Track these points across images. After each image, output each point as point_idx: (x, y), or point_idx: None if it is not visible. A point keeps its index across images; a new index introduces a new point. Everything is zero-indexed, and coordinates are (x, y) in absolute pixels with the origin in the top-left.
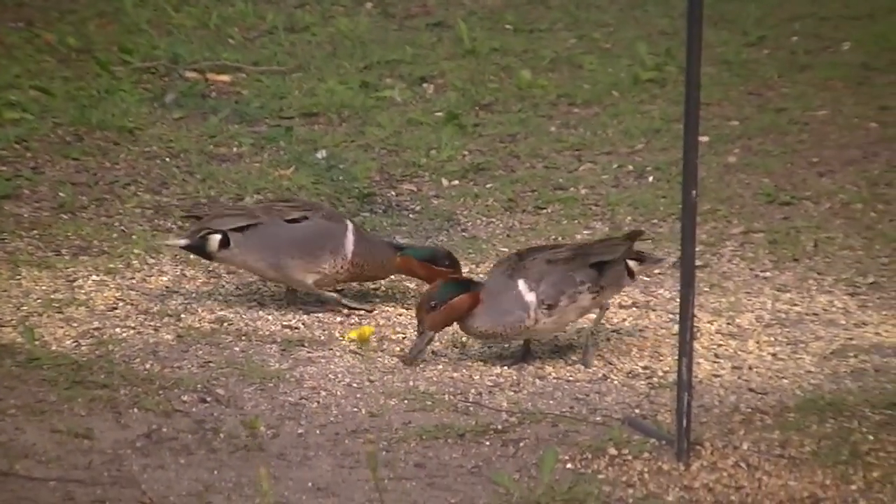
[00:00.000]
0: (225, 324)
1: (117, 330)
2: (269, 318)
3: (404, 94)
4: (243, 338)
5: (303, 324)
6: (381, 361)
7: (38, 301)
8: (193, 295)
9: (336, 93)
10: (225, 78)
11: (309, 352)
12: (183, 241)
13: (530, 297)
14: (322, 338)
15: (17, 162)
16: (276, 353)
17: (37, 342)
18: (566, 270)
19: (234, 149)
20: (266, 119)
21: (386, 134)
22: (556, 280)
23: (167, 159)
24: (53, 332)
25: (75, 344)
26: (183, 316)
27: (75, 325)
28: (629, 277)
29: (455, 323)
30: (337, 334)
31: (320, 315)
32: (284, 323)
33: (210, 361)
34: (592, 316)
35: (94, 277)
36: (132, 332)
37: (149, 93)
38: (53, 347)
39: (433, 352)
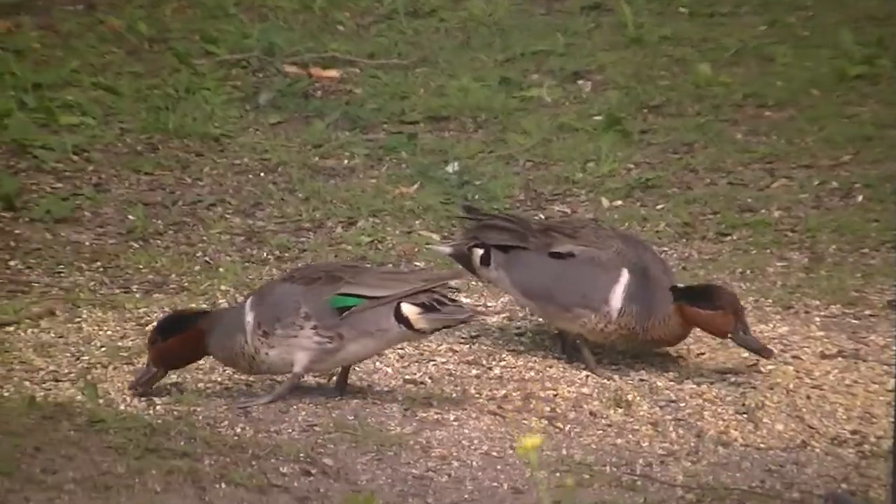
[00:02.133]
0: (333, 377)
1: (200, 385)
2: (389, 370)
3: (554, 93)
4: (357, 395)
5: (430, 378)
6: (527, 424)
7: (103, 350)
8: None
9: (470, 92)
10: (332, 73)
11: (438, 412)
12: (447, 249)
13: (249, 318)
14: (454, 395)
15: (75, 177)
16: (396, 414)
17: (101, 400)
18: (302, 294)
19: (345, 161)
20: (384, 124)
21: (532, 142)
22: (277, 301)
23: (261, 174)
24: (121, 388)
25: (147, 403)
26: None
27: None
28: (402, 327)
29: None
30: (472, 390)
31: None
32: (408, 376)
33: (315, 424)
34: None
35: None
36: (219, 387)
37: (238, 92)
38: (121, 407)
39: (591, 412)
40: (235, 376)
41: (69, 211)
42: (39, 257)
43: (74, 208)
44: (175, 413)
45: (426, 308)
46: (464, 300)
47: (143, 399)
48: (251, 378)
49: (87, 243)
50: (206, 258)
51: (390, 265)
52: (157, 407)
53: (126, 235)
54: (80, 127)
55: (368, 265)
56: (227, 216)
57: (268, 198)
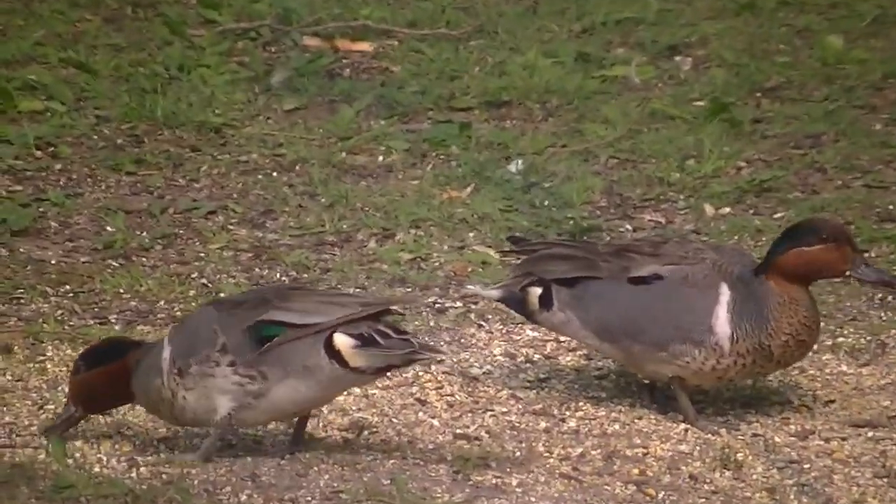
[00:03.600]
0: (365, 432)
1: (195, 441)
2: (436, 422)
3: (645, 72)
4: (395, 453)
5: (487, 432)
6: (609, 490)
7: None
8: None
9: (538, 70)
10: (365, 46)
11: (497, 476)
12: (495, 293)
13: (166, 353)
14: (517, 454)
15: (38, 178)
16: (444, 478)
17: (70, 461)
18: (218, 320)
19: (380, 157)
20: (429, 111)
21: (616, 134)
22: (192, 331)
23: (273, 174)
24: (95, 446)
25: (129, 463)
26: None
27: (130, 434)
28: (335, 364)
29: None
30: (541, 448)
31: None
32: (459, 430)
33: (340, 491)
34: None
35: None
36: (219, 444)
37: (246, 71)
38: (96, 469)
39: (691, 476)
40: (242, 430)
41: (30, 221)
42: None
43: (37, 217)
44: (164, 476)
45: (365, 340)
46: (420, 336)
47: (122, 459)
48: (256, 430)
49: (53, 261)
50: (204, 280)
51: (340, 287)
52: (142, 469)
53: (102, 252)
54: (44, 114)
55: (312, 287)
56: (231, 227)
57: (282, 204)
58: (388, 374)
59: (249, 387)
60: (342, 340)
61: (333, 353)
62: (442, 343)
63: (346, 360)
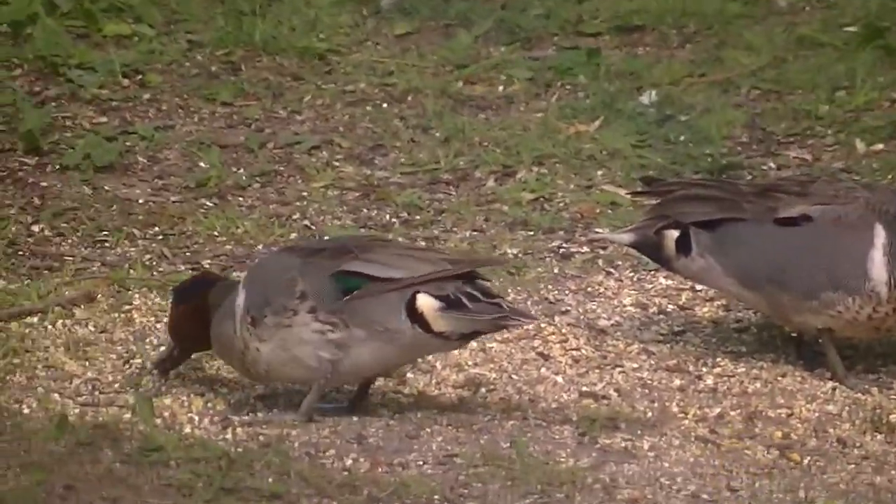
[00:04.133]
0: (482, 389)
1: (297, 399)
2: (559, 379)
3: None
4: (514, 413)
5: (616, 390)
6: (750, 455)
7: (162, 350)
8: None
9: None
10: None
11: (626, 438)
12: (627, 237)
13: (240, 298)
14: (649, 415)
15: (125, 109)
16: (569, 441)
17: (158, 421)
18: (298, 267)
19: (500, 87)
20: (554, 36)
21: (760, 63)
22: (268, 277)
23: (383, 105)
24: (186, 404)
25: (223, 424)
26: (410, 375)
27: (224, 391)
28: (416, 327)
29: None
30: (675, 408)
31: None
32: (585, 388)
33: (454, 454)
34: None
35: None
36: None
37: None
38: (187, 430)
39: (839, 439)
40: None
41: (116, 156)
42: (74, 220)
43: (124, 152)
44: (261, 438)
45: (450, 303)
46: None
47: (216, 419)
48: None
49: (140, 201)
50: (306, 222)
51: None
52: (237, 430)
53: (195, 190)
54: (131, 39)
55: (394, 240)
56: (336, 163)
57: (392, 138)
58: (475, 339)
59: (331, 335)
60: (426, 302)
61: (416, 315)
62: (566, 292)
63: (430, 324)
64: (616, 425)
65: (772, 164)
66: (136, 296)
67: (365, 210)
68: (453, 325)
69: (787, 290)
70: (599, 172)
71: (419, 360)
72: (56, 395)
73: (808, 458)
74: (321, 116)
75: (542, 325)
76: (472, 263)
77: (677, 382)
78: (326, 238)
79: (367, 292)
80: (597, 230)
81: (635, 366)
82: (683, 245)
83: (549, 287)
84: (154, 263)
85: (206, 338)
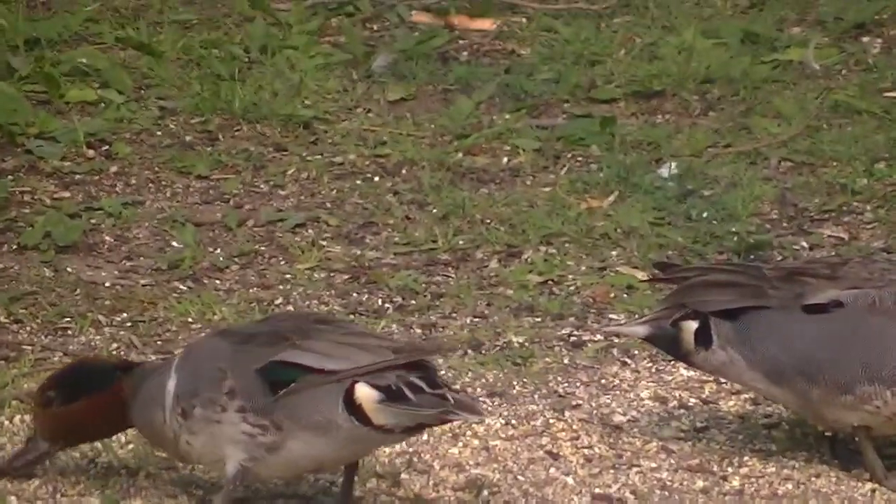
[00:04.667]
0: (484, 492)
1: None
2: (570, 480)
3: (826, 55)
4: None
5: (632, 492)
6: None
7: (130, 448)
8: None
9: (696, 54)
10: (486, 24)
11: None
12: (642, 329)
13: (170, 384)
14: None
15: (89, 182)
16: None
17: None
18: (228, 358)
19: (504, 159)
20: (564, 102)
21: (791, 131)
22: (198, 367)
23: (375, 178)
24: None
25: None
26: (405, 476)
27: (200, 493)
28: (354, 420)
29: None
30: None
31: None
32: (598, 489)
33: None
34: None
35: None
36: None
37: (342, 53)
38: None
39: None
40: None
41: (80, 234)
42: (34, 305)
43: (88, 230)
44: None
45: (391, 394)
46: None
47: None
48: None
49: (107, 284)
50: (290, 307)
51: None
52: None
53: (167, 272)
54: (97, 106)
55: (344, 321)
56: (323, 243)
57: (385, 215)
58: (421, 433)
59: (261, 438)
60: (365, 393)
61: (354, 408)
62: (578, 384)
63: (369, 417)
64: None
65: (804, 244)
66: None
67: (355, 294)
68: (395, 419)
69: (818, 384)
70: (614, 252)
71: (364, 456)
72: (13, 499)
73: None
74: (306, 191)
75: (552, 421)
76: (417, 352)
77: (700, 484)
78: (264, 318)
79: (301, 386)
80: (611, 316)
81: (654, 465)
82: (703, 337)
83: (559, 379)
84: (122, 353)
85: (102, 431)
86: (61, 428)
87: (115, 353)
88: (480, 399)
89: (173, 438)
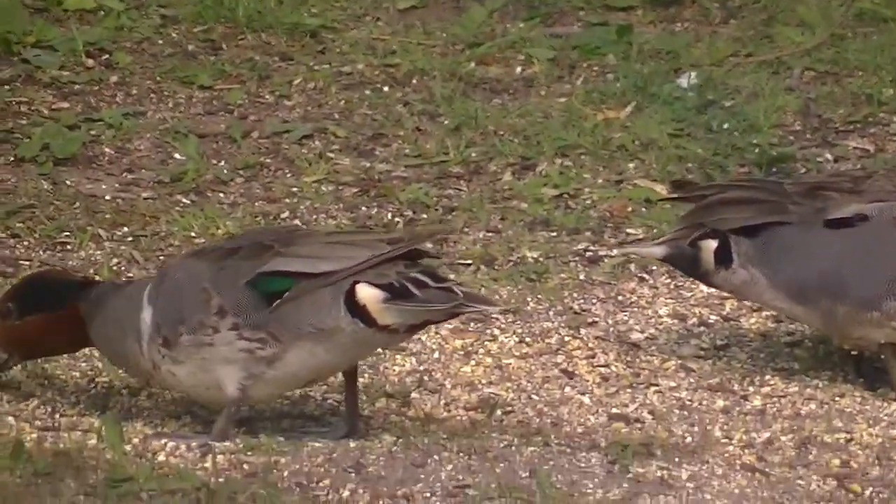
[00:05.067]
0: (497, 411)
1: (285, 423)
2: (586, 399)
3: None
4: (535, 438)
5: (650, 412)
6: (803, 486)
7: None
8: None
9: None
10: None
11: (663, 466)
12: (658, 249)
13: (146, 314)
14: (688, 439)
15: (89, 93)
16: (598, 469)
17: (128, 447)
18: (210, 277)
19: (518, 69)
20: (579, 10)
21: (815, 40)
22: (177, 291)
23: (384, 89)
24: (159, 427)
25: (202, 450)
26: (415, 395)
27: (204, 412)
28: (358, 322)
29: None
30: (718, 432)
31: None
32: (615, 409)
33: (466, 485)
34: None
35: None
36: (314, 421)
37: None
38: (160, 457)
39: None
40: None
41: (79, 146)
42: (31, 219)
43: (88, 142)
44: (245, 467)
45: (395, 292)
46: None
47: (195, 444)
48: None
49: (107, 197)
50: (297, 221)
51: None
52: (218, 457)
53: (169, 185)
54: (96, 14)
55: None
56: (331, 155)
57: (395, 126)
58: (423, 329)
59: (260, 352)
60: (368, 293)
61: (357, 309)
62: (594, 300)
63: (374, 318)
64: (650, 452)
65: (828, 156)
66: None
67: (364, 208)
68: (402, 317)
69: (842, 301)
70: (631, 165)
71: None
72: (10, 419)
73: (870, 489)
74: (313, 102)
75: (567, 339)
76: (415, 239)
77: (720, 403)
78: (239, 234)
79: (298, 293)
80: (628, 231)
81: (672, 384)
82: (723, 256)
83: (575, 295)
84: (123, 268)
85: (60, 347)
86: (17, 341)
87: (117, 267)
88: (493, 317)
89: (152, 369)
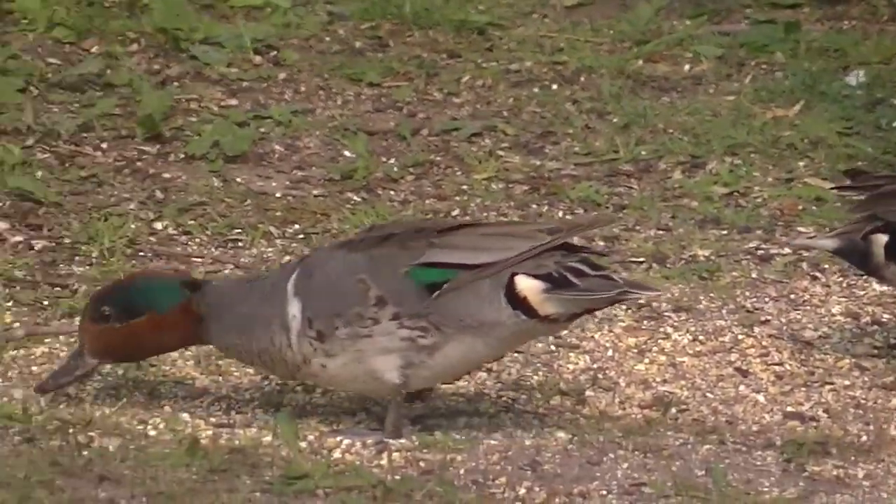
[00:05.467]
0: (672, 409)
1: (461, 421)
2: (760, 397)
3: None
4: (710, 436)
5: (825, 410)
6: None
7: None
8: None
9: None
10: None
11: (838, 465)
12: (830, 242)
13: (294, 309)
14: (863, 438)
15: (257, 90)
16: (773, 468)
17: (303, 444)
18: (367, 267)
19: (686, 66)
20: (747, 7)
21: None
22: (332, 283)
23: (553, 86)
24: (335, 425)
25: (378, 448)
26: (590, 393)
27: (378, 409)
28: (519, 314)
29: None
30: (893, 430)
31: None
32: (790, 408)
33: (641, 483)
34: None
35: None
36: (485, 416)
37: None
38: (336, 454)
39: None
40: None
41: (249, 144)
42: (202, 216)
43: (257, 139)
44: (422, 464)
45: (555, 282)
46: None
47: (371, 441)
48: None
49: (277, 195)
50: (467, 218)
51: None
52: (394, 455)
53: (339, 183)
54: (263, 10)
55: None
56: (501, 153)
57: (564, 124)
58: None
59: (422, 341)
60: (528, 284)
61: (518, 301)
62: (766, 299)
63: (535, 308)
64: (826, 450)
65: None
66: None
67: (534, 205)
68: (564, 306)
69: None
70: (801, 163)
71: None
72: (185, 415)
73: None
74: (482, 99)
75: (740, 337)
76: (575, 229)
77: (895, 402)
78: (383, 224)
79: (458, 283)
80: (799, 229)
81: (847, 383)
82: (894, 251)
83: (747, 294)
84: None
85: (159, 349)
86: (117, 344)
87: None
88: (666, 314)
89: (300, 362)
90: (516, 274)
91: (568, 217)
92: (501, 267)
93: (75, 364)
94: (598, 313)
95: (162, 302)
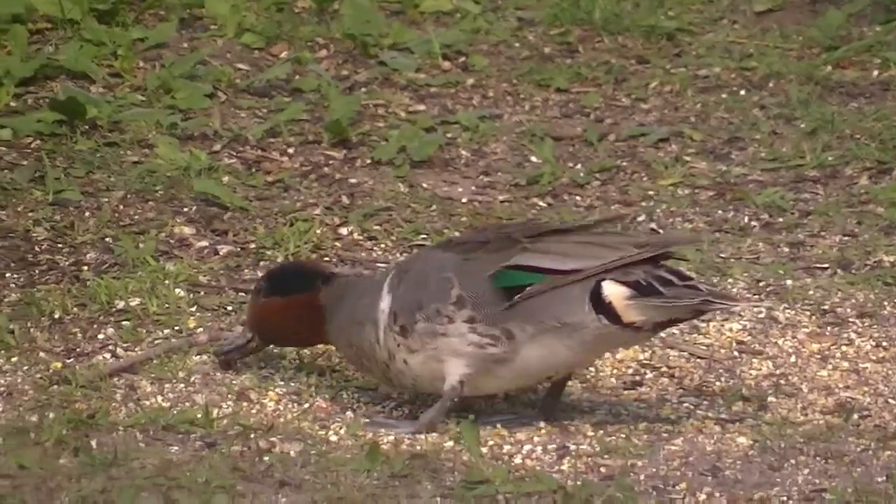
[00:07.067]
0: (854, 415)
1: (657, 427)
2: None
3: None
4: (893, 442)
5: None
6: None
7: None
8: None
9: None
10: None
11: None
12: None
13: (384, 303)
14: None
15: (445, 95)
16: None
17: (484, 450)
18: (454, 268)
19: (875, 72)
20: None
21: None
22: (420, 279)
23: (741, 92)
24: (516, 433)
25: (559, 453)
26: (772, 399)
27: (561, 413)
28: (604, 320)
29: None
30: None
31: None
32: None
33: (823, 489)
34: None
35: None
36: (682, 420)
37: None
38: (517, 460)
39: None
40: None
41: (435, 149)
42: (388, 222)
43: (444, 145)
44: (602, 470)
45: (641, 289)
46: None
47: (551, 447)
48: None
49: (463, 200)
50: (653, 224)
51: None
52: (575, 460)
53: (526, 188)
54: (452, 16)
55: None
56: (687, 158)
57: (751, 130)
58: (668, 329)
59: (491, 349)
60: (614, 290)
61: (603, 306)
62: None
63: (619, 315)
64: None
65: None
66: None
67: (720, 211)
68: (648, 314)
69: None
70: None
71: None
72: (364, 420)
73: None
74: (669, 105)
75: None
76: (664, 244)
77: None
78: (483, 228)
79: (543, 287)
80: None
81: None
82: None
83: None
84: None
85: (297, 335)
86: (258, 319)
87: None
88: (850, 320)
89: (387, 358)
90: (603, 279)
91: (660, 231)
92: (589, 273)
93: (237, 335)
94: (781, 319)
95: (293, 287)
